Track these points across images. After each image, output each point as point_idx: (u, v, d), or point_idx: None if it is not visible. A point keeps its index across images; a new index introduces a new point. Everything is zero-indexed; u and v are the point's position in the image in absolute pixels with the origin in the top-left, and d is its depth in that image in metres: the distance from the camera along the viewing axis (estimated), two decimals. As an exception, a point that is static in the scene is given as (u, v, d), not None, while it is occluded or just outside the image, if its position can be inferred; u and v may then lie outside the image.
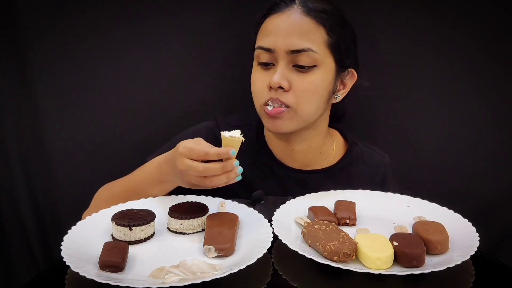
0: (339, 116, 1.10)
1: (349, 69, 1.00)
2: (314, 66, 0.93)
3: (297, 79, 0.93)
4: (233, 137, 0.81)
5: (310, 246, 0.78)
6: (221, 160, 0.81)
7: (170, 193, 0.98)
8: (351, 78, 1.01)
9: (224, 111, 1.17)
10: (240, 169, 0.81)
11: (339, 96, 1.01)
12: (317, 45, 0.93)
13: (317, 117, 0.99)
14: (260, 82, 0.96)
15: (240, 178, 0.82)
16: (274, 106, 0.94)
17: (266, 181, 1.04)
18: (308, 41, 0.92)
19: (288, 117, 0.95)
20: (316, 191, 0.96)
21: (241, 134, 0.82)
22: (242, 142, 0.82)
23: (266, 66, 0.96)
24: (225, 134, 0.82)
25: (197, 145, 0.83)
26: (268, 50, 0.94)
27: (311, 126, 1.01)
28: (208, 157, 0.80)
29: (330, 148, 1.09)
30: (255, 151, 1.06)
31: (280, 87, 0.93)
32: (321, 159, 1.07)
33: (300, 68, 0.93)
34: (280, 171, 1.05)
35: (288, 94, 0.93)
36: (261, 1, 0.98)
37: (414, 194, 0.95)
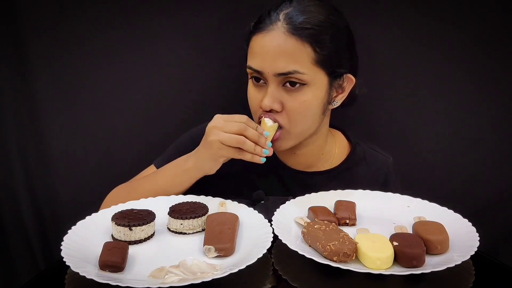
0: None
1: (344, 75, 0.97)
2: (304, 84, 0.92)
3: (288, 99, 0.93)
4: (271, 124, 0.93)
5: (310, 246, 0.78)
6: None
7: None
8: (348, 83, 0.99)
9: (225, 112, 1.17)
10: (266, 151, 0.89)
11: (338, 102, 1.00)
12: (304, 65, 0.91)
13: (313, 130, 0.99)
14: (254, 99, 0.97)
15: (264, 160, 0.89)
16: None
17: (269, 182, 1.05)
18: (293, 63, 0.90)
19: (284, 137, 0.96)
20: None
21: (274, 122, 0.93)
22: None
23: (259, 82, 0.96)
24: (265, 120, 0.93)
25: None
26: (257, 71, 0.94)
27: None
28: (249, 123, 0.89)
29: (332, 150, 1.08)
30: None
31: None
32: (323, 161, 1.07)
33: (291, 86, 0.92)
34: (282, 173, 1.05)
35: (281, 114, 0.94)
36: (261, 2, 0.98)
37: (414, 194, 0.95)
